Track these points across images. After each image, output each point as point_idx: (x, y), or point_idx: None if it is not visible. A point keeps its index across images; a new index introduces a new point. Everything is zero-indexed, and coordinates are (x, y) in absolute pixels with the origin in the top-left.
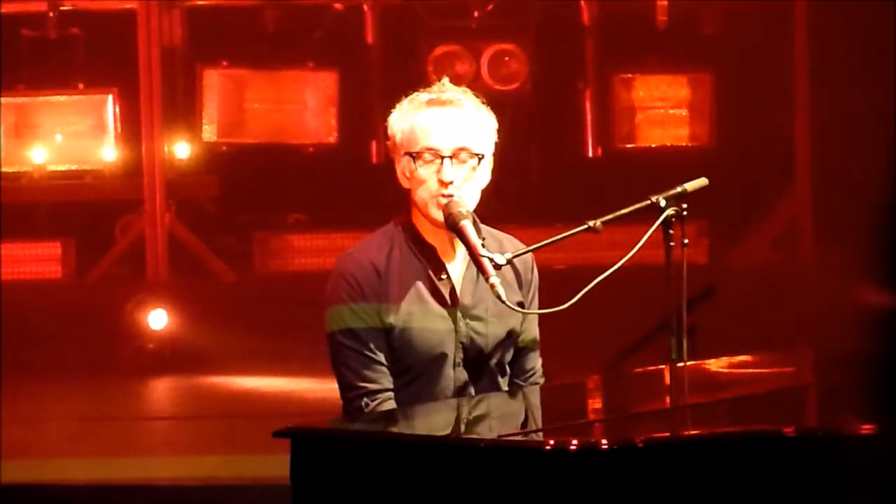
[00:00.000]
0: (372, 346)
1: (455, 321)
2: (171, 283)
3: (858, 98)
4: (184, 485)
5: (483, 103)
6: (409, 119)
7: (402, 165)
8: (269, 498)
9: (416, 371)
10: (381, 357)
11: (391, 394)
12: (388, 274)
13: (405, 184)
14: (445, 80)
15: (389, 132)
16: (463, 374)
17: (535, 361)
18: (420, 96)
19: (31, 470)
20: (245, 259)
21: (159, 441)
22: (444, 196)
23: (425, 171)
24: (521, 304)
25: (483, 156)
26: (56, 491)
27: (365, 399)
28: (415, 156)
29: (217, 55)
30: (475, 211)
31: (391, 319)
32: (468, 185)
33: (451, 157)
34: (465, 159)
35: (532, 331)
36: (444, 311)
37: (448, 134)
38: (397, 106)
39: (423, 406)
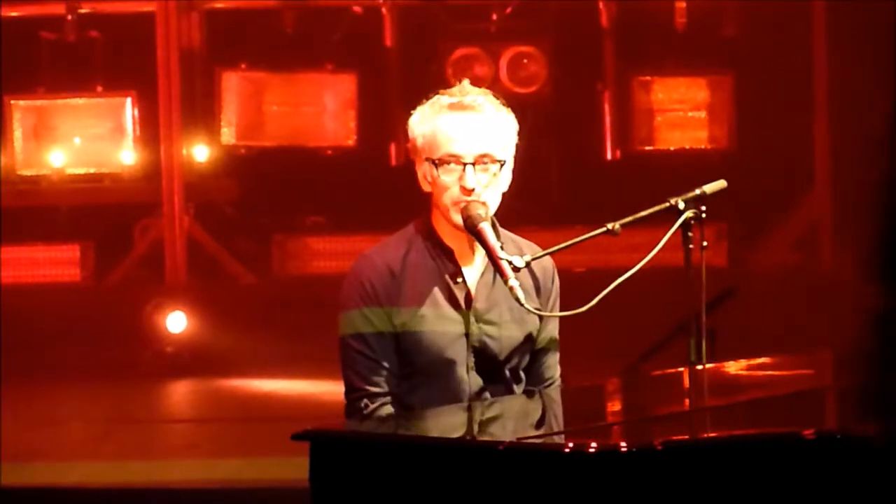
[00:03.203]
0: (379, 350)
1: (468, 325)
2: (190, 286)
3: (878, 100)
4: (203, 487)
5: (504, 105)
6: (431, 123)
7: (424, 169)
8: (288, 500)
9: (428, 373)
10: (386, 362)
11: (390, 398)
12: (403, 275)
13: (426, 187)
14: (466, 82)
15: (410, 135)
16: (477, 379)
17: (555, 371)
18: (441, 99)
19: (50, 473)
20: (264, 262)
21: (178, 444)
22: (466, 202)
23: (448, 178)
24: (537, 310)
25: (505, 161)
26: (75, 494)
27: (365, 400)
28: (437, 162)
29: (236, 58)
30: (495, 214)
31: (403, 322)
32: (490, 190)
33: (473, 164)
34: (488, 166)
35: (551, 339)
36: (456, 315)
37: (470, 140)
38: (418, 108)
39: (440, 409)
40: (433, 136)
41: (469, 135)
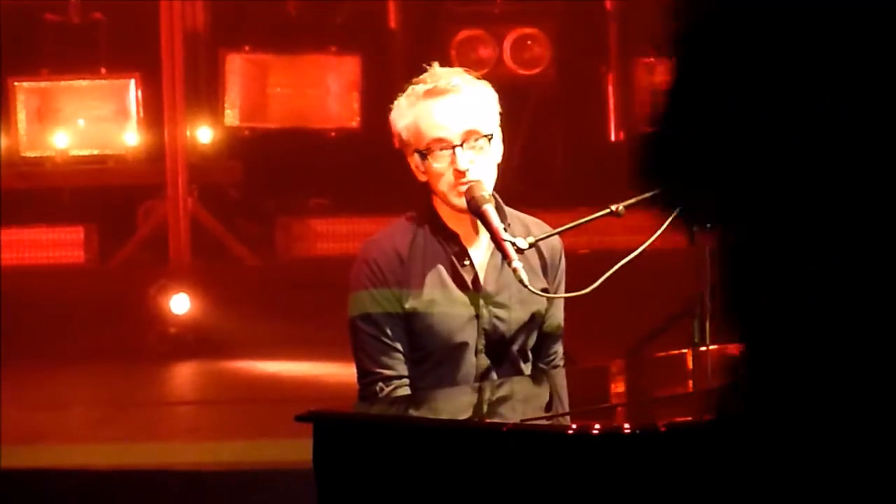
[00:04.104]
0: (390, 332)
1: (478, 308)
2: (194, 268)
3: None
4: (207, 470)
5: (478, 79)
6: (411, 114)
7: (415, 161)
8: (292, 482)
9: (437, 357)
10: (399, 345)
11: (406, 380)
12: (412, 260)
13: (421, 177)
14: (435, 65)
15: (394, 130)
16: (485, 361)
17: (557, 346)
18: (416, 89)
19: (53, 455)
20: (267, 244)
21: (182, 426)
22: (462, 184)
23: (440, 165)
24: (544, 291)
25: (492, 135)
26: (79, 476)
27: (380, 384)
28: (425, 151)
29: (239, 40)
30: (495, 187)
31: (413, 305)
32: (484, 165)
33: (461, 145)
34: (476, 142)
35: (557, 316)
36: (466, 298)
37: (453, 122)
38: (395, 103)
39: (446, 390)
40: (416, 126)
41: (450, 117)
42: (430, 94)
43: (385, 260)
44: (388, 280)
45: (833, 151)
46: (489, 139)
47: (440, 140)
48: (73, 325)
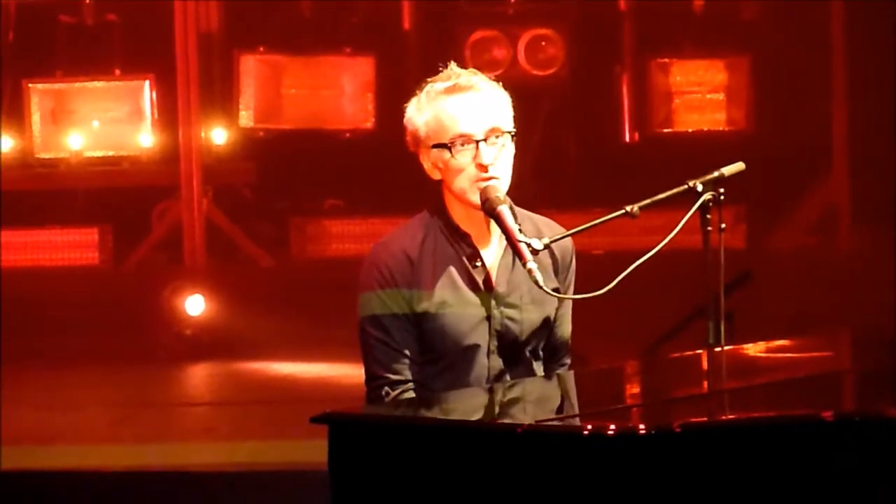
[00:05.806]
0: (398, 337)
1: (489, 309)
2: (209, 269)
3: None
4: (222, 470)
5: (492, 79)
6: (431, 110)
7: (433, 157)
8: (307, 483)
9: (450, 358)
10: (407, 350)
11: (412, 385)
12: (421, 262)
13: (435, 175)
14: (452, 64)
15: (410, 127)
16: (498, 362)
17: (565, 356)
18: (435, 86)
19: (69, 456)
20: (282, 245)
21: (197, 427)
22: (483, 179)
23: (462, 159)
24: (556, 291)
25: (513, 132)
26: (95, 477)
27: (386, 388)
28: (448, 146)
29: (254, 41)
30: (509, 187)
31: (424, 307)
32: (503, 163)
33: (484, 140)
34: (497, 139)
35: (566, 318)
36: (478, 299)
37: (477, 118)
38: (412, 101)
39: (460, 391)
40: (437, 121)
41: (474, 113)
42: (450, 90)
43: (395, 263)
44: (399, 283)
45: None
46: (511, 136)
47: (463, 135)
48: (87, 327)
